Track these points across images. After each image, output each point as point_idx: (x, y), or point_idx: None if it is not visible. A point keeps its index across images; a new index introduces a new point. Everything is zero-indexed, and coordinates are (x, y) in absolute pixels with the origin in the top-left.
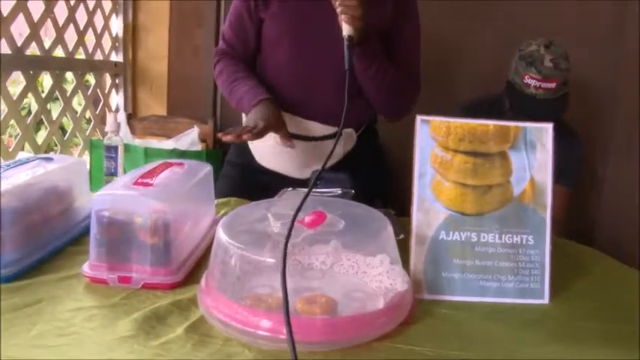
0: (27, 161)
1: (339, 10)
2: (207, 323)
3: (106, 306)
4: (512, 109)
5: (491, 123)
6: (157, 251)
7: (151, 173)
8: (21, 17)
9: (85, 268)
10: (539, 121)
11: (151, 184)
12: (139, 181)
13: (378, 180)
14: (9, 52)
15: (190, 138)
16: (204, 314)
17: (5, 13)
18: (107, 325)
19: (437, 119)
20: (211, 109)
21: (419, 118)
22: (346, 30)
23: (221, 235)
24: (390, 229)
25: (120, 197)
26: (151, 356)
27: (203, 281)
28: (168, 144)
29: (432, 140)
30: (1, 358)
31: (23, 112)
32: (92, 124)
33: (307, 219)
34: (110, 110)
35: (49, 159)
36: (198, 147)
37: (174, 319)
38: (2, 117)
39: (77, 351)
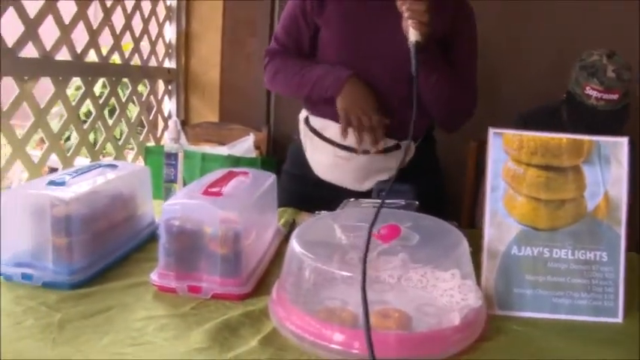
0: (92, 168)
1: (406, 14)
2: (281, 335)
3: (176, 315)
4: (570, 119)
5: (564, 136)
6: (227, 261)
7: (219, 182)
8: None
9: (154, 276)
10: (599, 133)
11: (220, 194)
12: (208, 190)
13: (436, 190)
14: (69, 58)
15: (245, 145)
16: (277, 326)
17: (67, 22)
18: (180, 336)
19: (510, 132)
20: (265, 117)
21: (491, 130)
22: (413, 35)
23: (295, 246)
24: (465, 243)
25: (190, 207)
26: None
27: (274, 292)
28: (222, 150)
29: (505, 153)
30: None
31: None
32: (145, 130)
33: (381, 232)
34: (163, 117)
35: (114, 166)
36: (253, 154)
37: (246, 330)
38: (62, 122)
39: None
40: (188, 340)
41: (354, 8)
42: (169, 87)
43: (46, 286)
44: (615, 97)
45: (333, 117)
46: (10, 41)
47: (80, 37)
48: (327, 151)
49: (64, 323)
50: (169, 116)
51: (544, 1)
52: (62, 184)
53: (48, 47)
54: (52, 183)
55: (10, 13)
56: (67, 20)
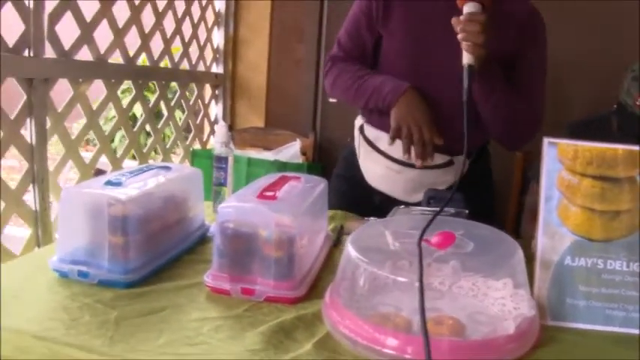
0: (146, 170)
1: (460, 36)
2: (334, 340)
3: (230, 317)
4: (621, 130)
5: (620, 147)
6: (281, 265)
7: (273, 186)
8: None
9: (207, 278)
10: None
11: (275, 198)
12: (263, 194)
13: (487, 200)
14: (121, 61)
15: (292, 150)
16: (331, 329)
17: (120, 25)
18: (235, 337)
19: (564, 142)
20: (311, 123)
21: (546, 140)
22: (466, 58)
23: (351, 251)
24: (520, 253)
25: (245, 210)
26: None
27: (327, 296)
28: (268, 155)
29: (559, 163)
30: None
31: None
32: (192, 133)
33: (435, 239)
34: (209, 121)
35: (167, 168)
36: (299, 160)
37: (300, 333)
38: (113, 124)
39: None
40: (243, 342)
41: (419, 22)
42: (216, 92)
43: (102, 284)
44: None
45: (387, 129)
46: (66, 44)
47: (132, 40)
48: (378, 161)
49: (120, 321)
50: (216, 121)
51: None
52: (119, 184)
53: (102, 50)
54: (109, 183)
55: (68, 17)
56: (120, 24)
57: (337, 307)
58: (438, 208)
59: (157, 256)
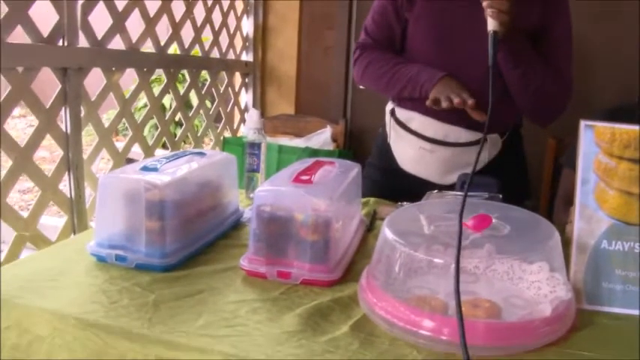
0: (181, 155)
1: (485, 3)
2: (371, 322)
3: (267, 300)
4: None
5: None
6: (317, 248)
7: (308, 171)
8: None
9: (243, 261)
10: None
11: (311, 182)
12: (299, 178)
13: (520, 186)
14: (154, 51)
15: (323, 137)
16: (367, 312)
17: (151, 14)
18: (272, 319)
19: (601, 124)
20: (342, 110)
21: (583, 123)
22: (491, 25)
23: (387, 233)
24: (557, 236)
25: (281, 194)
26: (320, 352)
27: (363, 279)
28: (299, 142)
29: (596, 146)
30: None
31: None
32: (223, 121)
33: (471, 222)
34: (240, 109)
35: (202, 154)
36: (330, 147)
37: (337, 316)
38: (145, 113)
39: (246, 343)
40: (281, 324)
41: (444, 4)
42: (246, 80)
43: (139, 268)
44: None
45: (419, 109)
46: (99, 34)
47: (163, 29)
48: (411, 142)
49: (159, 304)
50: (246, 109)
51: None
52: (155, 169)
53: (134, 40)
54: (145, 169)
55: (100, 6)
56: (151, 13)
57: (374, 290)
58: (471, 193)
59: (193, 240)
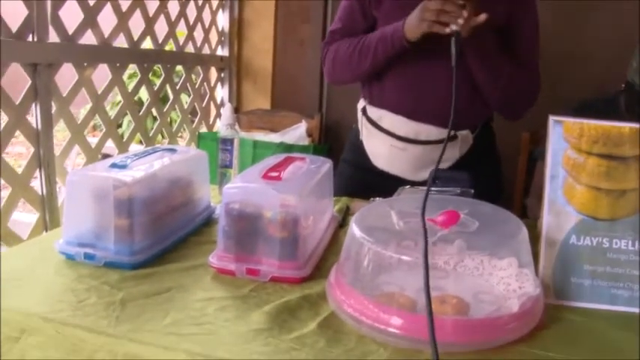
0: (152, 152)
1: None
2: (339, 319)
3: (236, 297)
4: (629, 110)
5: (626, 125)
6: (286, 245)
7: (278, 167)
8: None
9: (212, 258)
10: None
11: (280, 178)
12: (268, 174)
13: (493, 181)
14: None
15: (298, 132)
16: (335, 309)
17: (124, 9)
18: (240, 317)
19: (570, 120)
20: (317, 104)
21: (551, 118)
22: (453, 25)
23: (355, 230)
24: (524, 231)
25: (250, 190)
26: (287, 350)
27: (332, 276)
28: (274, 137)
29: (565, 142)
30: None
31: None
32: (198, 116)
33: (439, 218)
34: (215, 104)
35: (173, 150)
36: (306, 141)
37: (305, 313)
38: (119, 108)
39: (212, 341)
40: (249, 321)
41: (413, 2)
42: (222, 74)
43: (108, 266)
44: None
45: (390, 107)
46: (70, 29)
47: (137, 24)
48: (383, 140)
49: (126, 302)
50: (222, 103)
51: None
52: (124, 166)
53: (106, 34)
54: (114, 166)
55: (71, 1)
56: (124, 7)
57: (342, 287)
58: (443, 188)
59: (163, 237)
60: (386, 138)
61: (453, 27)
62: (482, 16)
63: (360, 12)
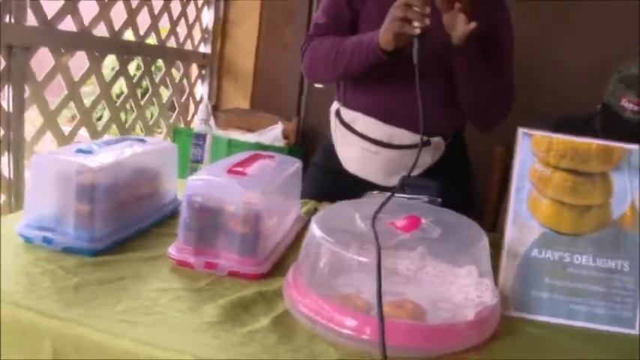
0: (121, 141)
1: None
2: (292, 318)
3: (191, 289)
4: (604, 131)
5: (594, 142)
6: (246, 241)
7: (244, 163)
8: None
9: (172, 250)
10: None
11: (244, 174)
12: (233, 169)
13: (464, 192)
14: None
15: (274, 133)
16: (290, 307)
17: None
18: (193, 309)
19: (539, 133)
20: (296, 107)
21: (521, 131)
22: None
23: (315, 230)
24: (485, 240)
25: (214, 184)
26: (236, 343)
27: (290, 275)
28: (250, 137)
29: (533, 155)
30: None
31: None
32: (176, 112)
33: (401, 223)
34: (195, 100)
35: (142, 141)
36: (281, 143)
37: (259, 309)
38: (95, 98)
39: (161, 331)
40: (201, 314)
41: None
42: (203, 71)
43: (66, 251)
44: None
45: (363, 109)
46: (49, 13)
47: (118, 15)
48: (355, 144)
49: (80, 287)
50: (201, 100)
51: (584, 8)
52: (90, 152)
53: (86, 22)
54: (80, 151)
55: None
56: None
57: (298, 286)
58: (411, 196)
59: (125, 226)
60: (359, 141)
61: (416, 24)
62: (473, 24)
63: (345, 5)
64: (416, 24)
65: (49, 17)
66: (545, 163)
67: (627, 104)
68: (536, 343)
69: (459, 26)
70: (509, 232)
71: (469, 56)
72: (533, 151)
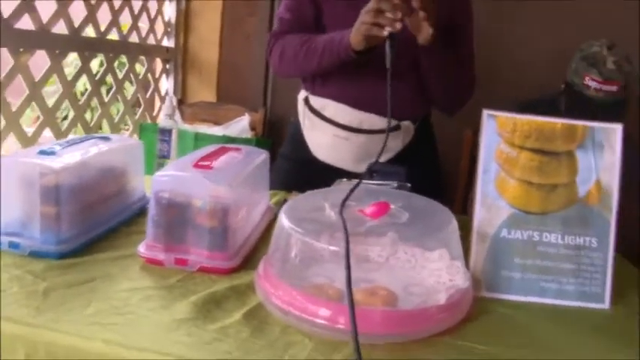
0: (85, 140)
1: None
2: (265, 310)
3: (162, 287)
4: (568, 111)
5: (558, 121)
6: (215, 235)
7: (210, 157)
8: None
9: (141, 248)
10: None
11: (211, 168)
12: (199, 163)
13: (433, 176)
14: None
15: (241, 125)
16: (263, 300)
17: None
18: (164, 307)
19: (504, 115)
20: (262, 98)
21: (485, 112)
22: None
23: (284, 221)
24: (454, 223)
25: (180, 179)
26: (209, 340)
27: (261, 267)
28: (217, 130)
29: (498, 136)
30: None
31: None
32: (142, 108)
33: (369, 209)
34: (160, 95)
35: (107, 138)
36: (248, 135)
37: (231, 303)
38: (57, 97)
39: (133, 331)
40: (172, 311)
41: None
42: (167, 66)
43: (33, 255)
44: (614, 88)
45: (333, 96)
46: (6, 12)
47: (78, 12)
48: (325, 130)
49: (49, 291)
50: (167, 95)
51: None
52: (52, 153)
53: (44, 20)
54: (42, 152)
55: None
56: None
57: (270, 278)
58: (380, 182)
59: (92, 227)
60: (329, 127)
61: (388, 29)
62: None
63: (308, 2)
64: (387, 28)
65: (5, 16)
66: (511, 144)
67: (590, 82)
68: (508, 322)
69: (424, 30)
70: (478, 213)
71: (434, 52)
72: (498, 132)
